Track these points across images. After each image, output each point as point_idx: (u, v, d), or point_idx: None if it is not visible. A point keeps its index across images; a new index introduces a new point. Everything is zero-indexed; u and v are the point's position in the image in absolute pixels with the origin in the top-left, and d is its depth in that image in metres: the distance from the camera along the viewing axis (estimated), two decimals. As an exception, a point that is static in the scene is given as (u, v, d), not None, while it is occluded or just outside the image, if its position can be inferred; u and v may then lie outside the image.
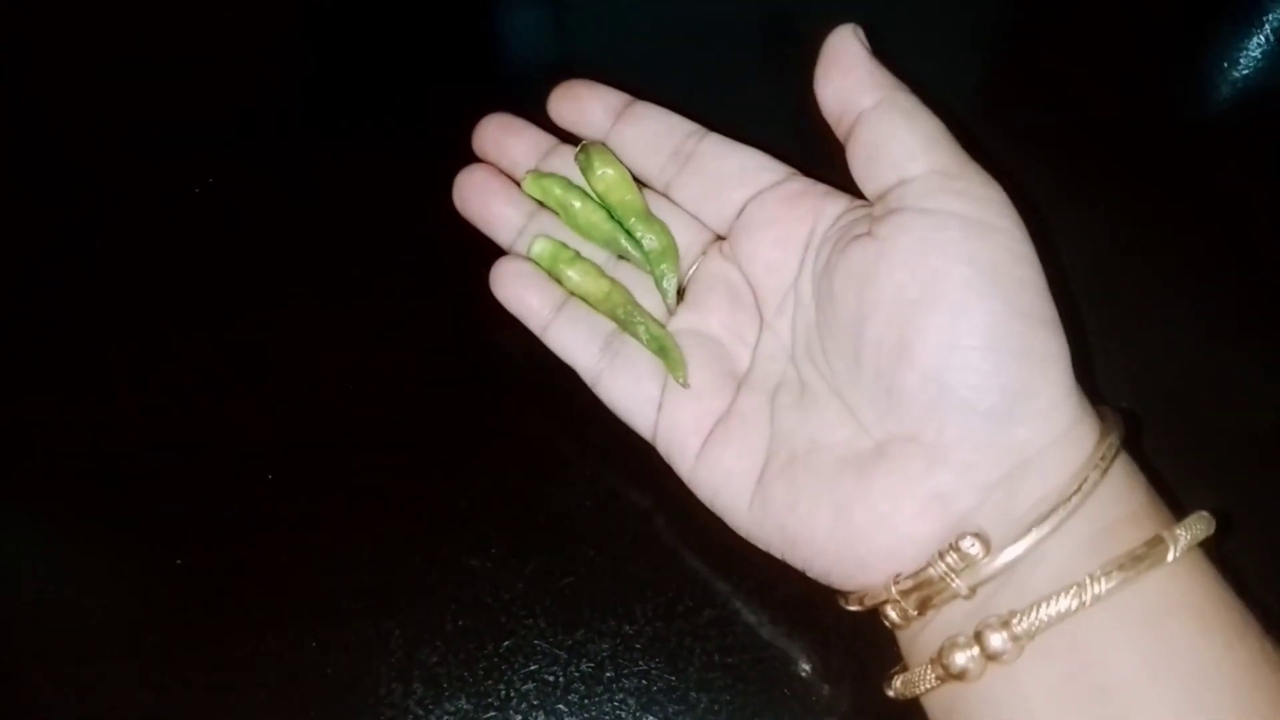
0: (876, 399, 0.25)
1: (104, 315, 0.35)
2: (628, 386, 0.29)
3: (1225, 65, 0.40)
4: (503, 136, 0.32)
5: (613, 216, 0.31)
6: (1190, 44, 0.41)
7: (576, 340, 0.30)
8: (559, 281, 0.31)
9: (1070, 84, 0.40)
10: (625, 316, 0.30)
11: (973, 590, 0.23)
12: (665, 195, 0.31)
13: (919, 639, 0.24)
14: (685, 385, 0.28)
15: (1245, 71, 0.40)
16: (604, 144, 0.31)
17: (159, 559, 0.30)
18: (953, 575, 0.22)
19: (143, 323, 0.34)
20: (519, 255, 0.31)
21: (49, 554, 0.30)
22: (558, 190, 0.31)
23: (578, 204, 0.31)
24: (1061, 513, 0.22)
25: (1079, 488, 0.22)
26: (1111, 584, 0.21)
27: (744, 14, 0.42)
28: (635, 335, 0.30)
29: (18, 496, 0.32)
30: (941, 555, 0.23)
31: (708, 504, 0.28)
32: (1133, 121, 0.39)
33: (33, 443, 0.32)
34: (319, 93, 0.41)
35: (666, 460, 0.29)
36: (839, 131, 0.27)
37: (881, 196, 0.25)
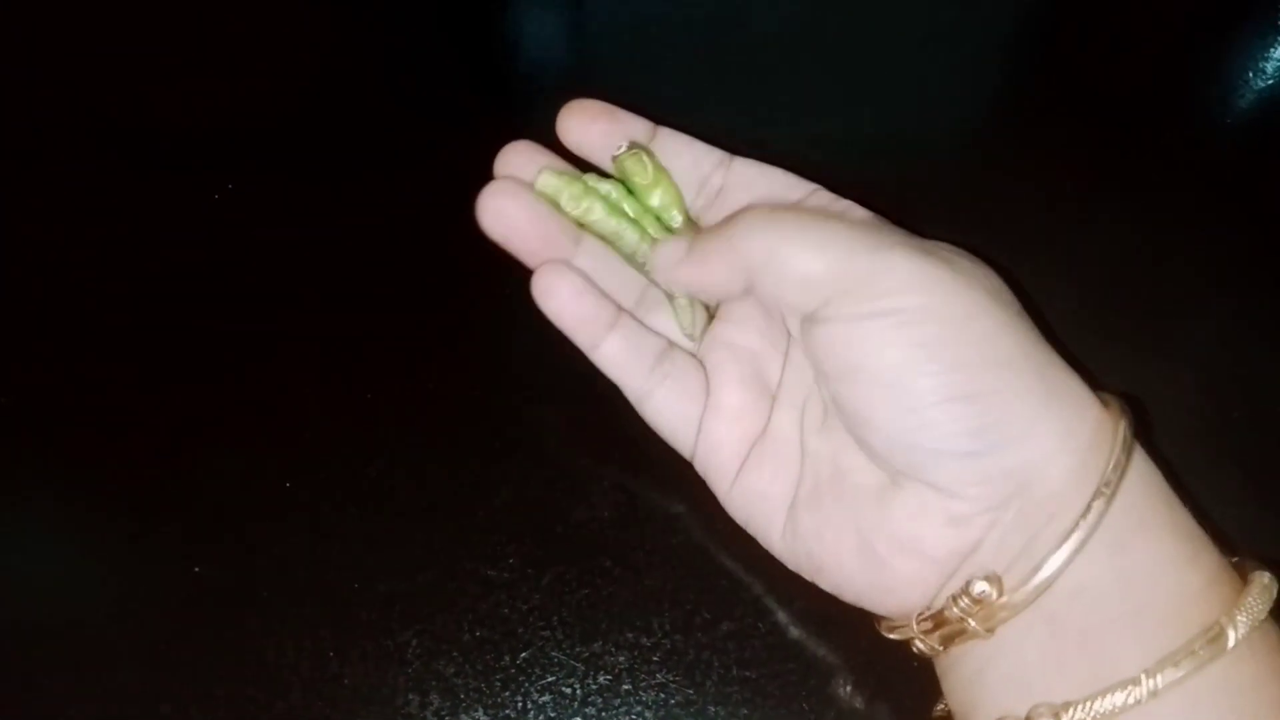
0: (863, 450, 0.25)
1: (121, 321, 0.34)
2: (674, 407, 0.29)
3: (1252, 69, 0.40)
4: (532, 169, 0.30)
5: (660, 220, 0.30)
6: (1217, 47, 0.41)
7: (627, 360, 0.29)
8: (572, 214, 0.29)
9: (1098, 88, 0.40)
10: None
11: (990, 630, 0.23)
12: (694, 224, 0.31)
13: (951, 672, 0.25)
14: (696, 340, 0.29)
15: (1273, 76, 0.40)
16: (648, 147, 0.30)
17: (176, 567, 0.30)
18: (968, 618, 0.23)
19: (160, 329, 0.34)
20: (565, 264, 0.29)
21: (65, 563, 0.31)
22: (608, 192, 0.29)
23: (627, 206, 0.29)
24: (1074, 541, 0.22)
25: (1085, 514, 0.22)
26: (1168, 680, 0.21)
27: (764, 16, 0.42)
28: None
29: (34, 505, 0.32)
30: (955, 599, 0.23)
31: (742, 527, 0.28)
32: (1161, 125, 0.39)
33: (49, 450, 0.32)
34: (336, 100, 0.40)
35: (705, 480, 0.29)
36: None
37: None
